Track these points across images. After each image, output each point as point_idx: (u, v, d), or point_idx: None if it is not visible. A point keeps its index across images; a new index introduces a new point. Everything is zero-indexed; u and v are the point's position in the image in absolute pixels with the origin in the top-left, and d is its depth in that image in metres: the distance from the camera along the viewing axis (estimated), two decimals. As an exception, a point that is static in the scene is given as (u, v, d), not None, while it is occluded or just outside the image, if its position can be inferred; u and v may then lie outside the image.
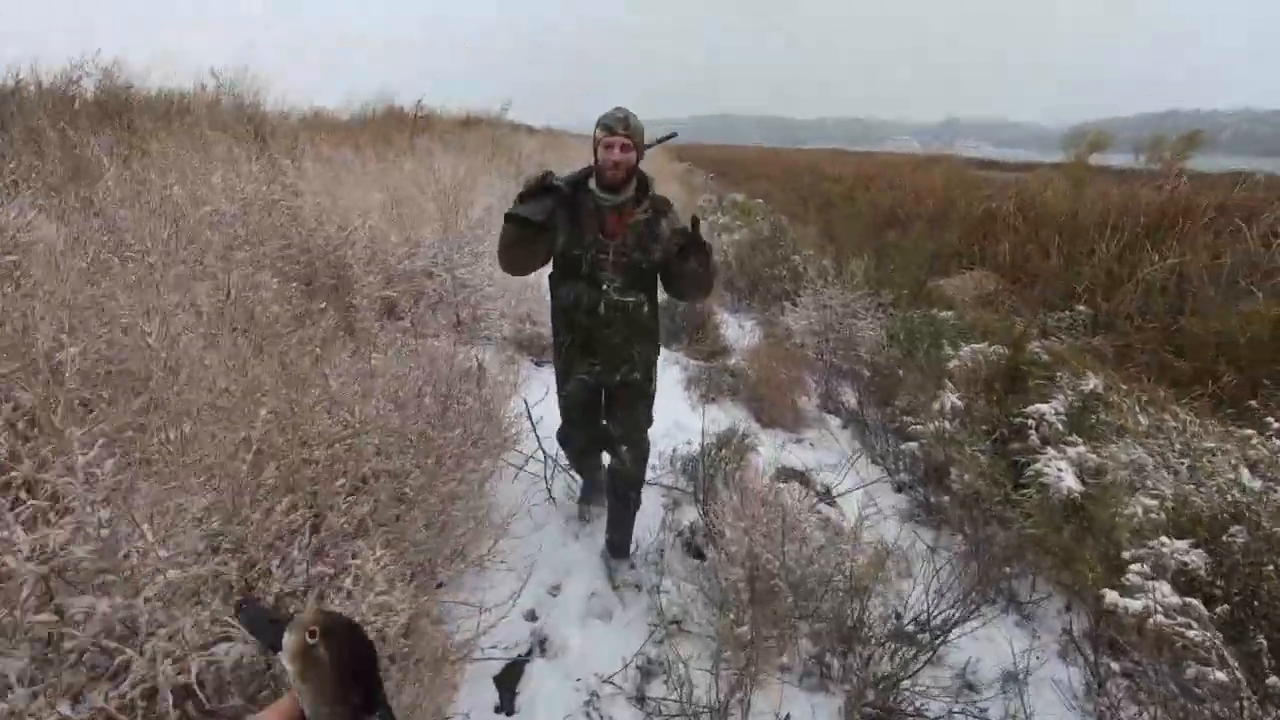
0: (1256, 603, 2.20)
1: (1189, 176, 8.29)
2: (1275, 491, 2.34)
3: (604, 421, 2.53)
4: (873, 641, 2.12)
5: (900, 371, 4.34)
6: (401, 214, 4.13)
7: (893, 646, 2.05)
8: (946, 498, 3.12)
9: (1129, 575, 1.98)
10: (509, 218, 2.13)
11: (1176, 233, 6.09)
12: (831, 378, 4.83)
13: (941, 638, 2.04)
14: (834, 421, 4.34)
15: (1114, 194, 7.52)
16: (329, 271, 3.52)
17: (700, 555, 2.67)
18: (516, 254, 2.21)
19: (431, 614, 1.70)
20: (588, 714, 1.92)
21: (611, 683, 1.99)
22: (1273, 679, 1.83)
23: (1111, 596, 1.93)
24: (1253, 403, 4.13)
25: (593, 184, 2.19)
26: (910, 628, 2.11)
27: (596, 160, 2.16)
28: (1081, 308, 5.94)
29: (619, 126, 2.12)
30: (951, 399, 3.18)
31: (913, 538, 2.96)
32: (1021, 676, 2.25)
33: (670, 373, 4.73)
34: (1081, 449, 2.66)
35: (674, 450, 3.53)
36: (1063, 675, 2.34)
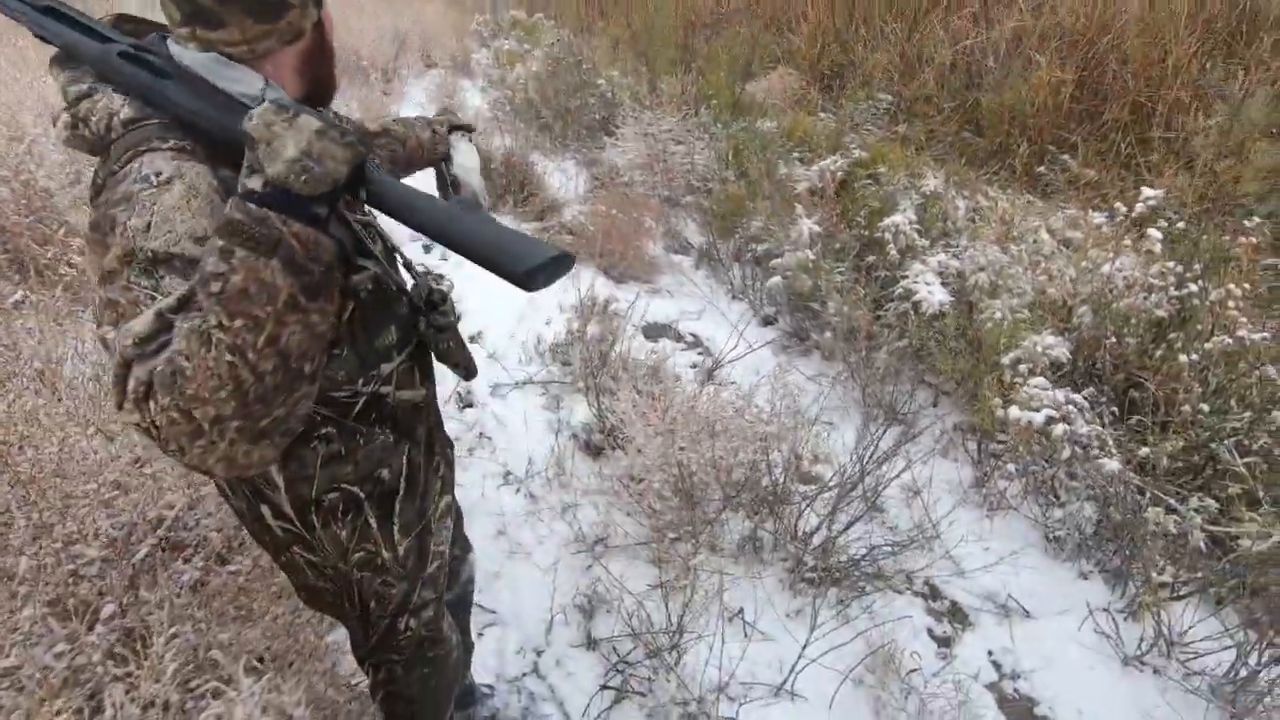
0: (1102, 374, 2.44)
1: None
2: (1105, 268, 2.52)
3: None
4: (800, 502, 2.10)
5: (736, 193, 4.20)
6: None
7: (822, 504, 2.04)
8: (816, 325, 3.13)
9: (1023, 388, 2.05)
10: (256, 243, 0.64)
11: (962, 5, 6.20)
12: (670, 214, 4.60)
13: (875, 493, 2.05)
14: (685, 262, 4.17)
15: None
16: (21, 205, 2.56)
17: (599, 453, 2.48)
18: (298, 376, 0.69)
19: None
20: (536, 680, 1.74)
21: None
22: (1143, 450, 2.04)
23: (1013, 412, 2.00)
24: (1041, 169, 4.49)
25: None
26: (834, 481, 2.10)
27: (327, 52, 0.91)
28: (883, 95, 6.04)
29: None
30: (809, 225, 3.07)
31: (791, 370, 2.98)
32: (922, 487, 2.39)
33: (503, 242, 4.24)
34: (942, 258, 2.69)
35: (536, 335, 3.21)
36: (950, 473, 2.52)
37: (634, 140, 4.99)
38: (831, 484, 2.11)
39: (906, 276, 2.66)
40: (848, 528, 2.02)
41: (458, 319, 1.07)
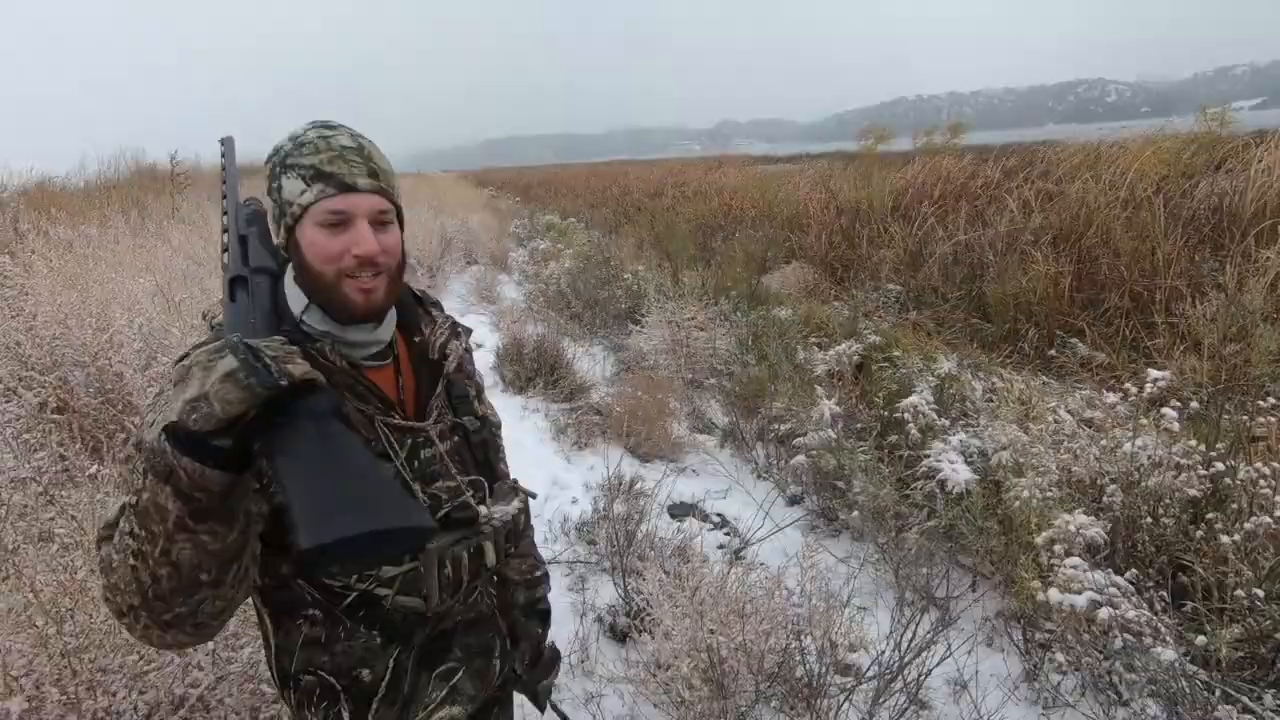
0: (1143, 557, 2.36)
1: (950, 154, 9.41)
2: (1125, 446, 2.54)
3: None
4: (837, 695, 1.97)
5: (758, 376, 4.37)
6: (180, 299, 3.38)
7: (862, 698, 1.92)
8: (843, 504, 3.11)
9: (1060, 569, 2.00)
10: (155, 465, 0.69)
11: (959, 208, 6.80)
12: (694, 395, 4.76)
13: (917, 685, 1.94)
14: (709, 441, 4.25)
15: (895, 178, 8.31)
16: (93, 387, 2.77)
17: (624, 637, 2.39)
18: (194, 580, 0.75)
19: None
20: None
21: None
22: (1200, 638, 1.93)
23: (1054, 595, 1.93)
24: (1051, 352, 4.64)
25: (311, 318, 0.94)
26: (871, 671, 1.99)
27: (301, 256, 0.91)
28: (892, 286, 6.44)
29: (360, 172, 0.90)
30: (830, 405, 3.17)
31: (820, 550, 2.91)
32: (968, 680, 2.23)
33: (532, 423, 4.38)
34: (963, 437, 2.74)
35: (562, 515, 3.22)
36: (997, 664, 2.36)
37: (658, 327, 5.30)
38: (869, 674, 2.00)
39: (929, 455, 2.69)
40: (891, 726, 1.88)
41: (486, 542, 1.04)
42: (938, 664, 1.98)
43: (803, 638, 2.06)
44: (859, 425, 3.43)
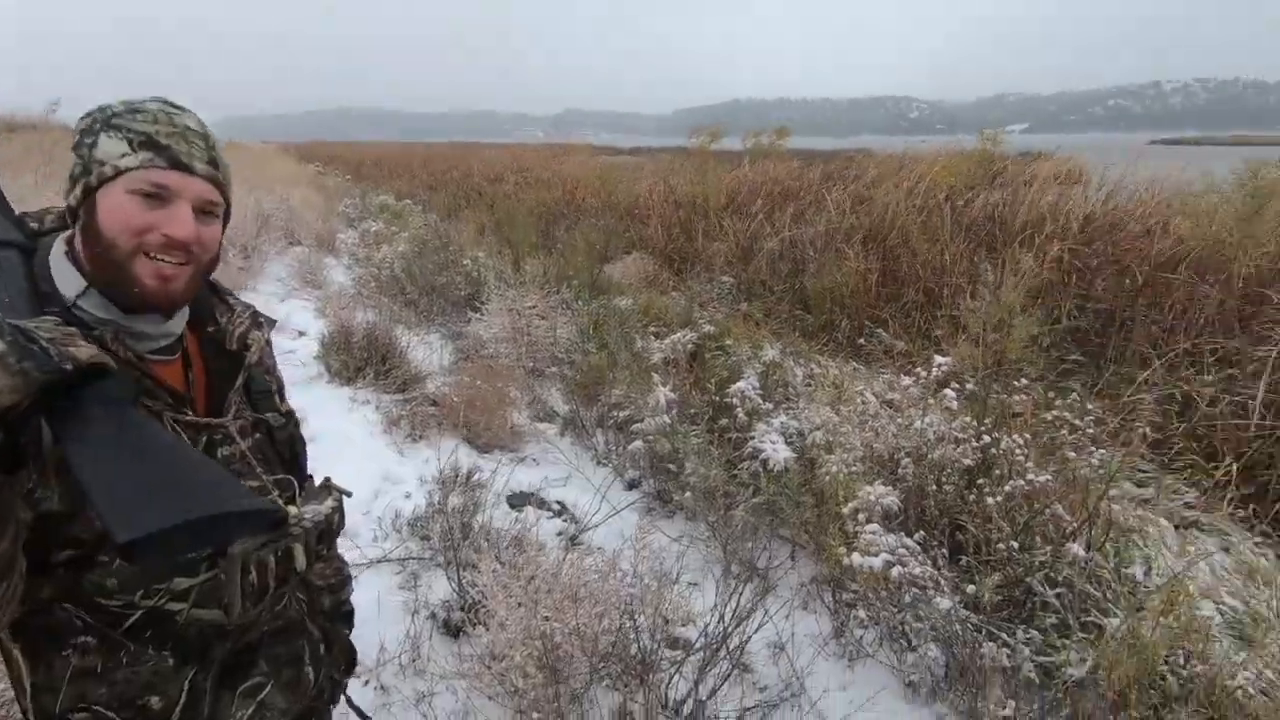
0: (930, 520, 2.69)
1: (775, 155, 10.08)
2: (916, 423, 2.89)
3: None
4: (669, 669, 2.06)
5: (598, 364, 4.43)
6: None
7: (691, 669, 2.02)
8: (678, 486, 3.24)
9: (862, 535, 2.22)
10: None
11: (785, 207, 7.30)
12: (535, 384, 4.73)
13: (740, 652, 2.07)
14: (550, 430, 4.24)
15: (728, 178, 8.75)
16: None
17: (458, 632, 2.33)
18: None
19: None
20: None
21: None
22: (970, 587, 2.23)
23: (856, 559, 2.15)
24: (861, 341, 5.14)
25: (88, 304, 0.81)
26: (699, 643, 2.10)
27: (94, 221, 0.80)
28: (726, 278, 6.80)
29: (200, 156, 0.83)
30: (665, 392, 3.29)
31: (653, 531, 3.03)
32: (785, 642, 2.43)
33: (362, 415, 4.13)
34: (784, 418, 2.95)
35: (394, 510, 3.07)
36: (811, 625, 2.58)
37: (499, 315, 5.19)
38: (698, 646, 2.11)
39: (754, 437, 2.88)
40: (714, 692, 1.99)
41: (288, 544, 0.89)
42: (756, 630, 2.13)
43: (636, 616, 2.13)
44: (692, 410, 3.59)
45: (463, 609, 2.31)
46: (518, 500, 3.39)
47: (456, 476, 3.16)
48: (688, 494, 2.98)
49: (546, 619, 1.83)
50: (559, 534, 2.99)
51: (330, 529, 0.99)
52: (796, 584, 2.80)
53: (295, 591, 1.07)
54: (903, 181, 6.85)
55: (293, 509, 0.95)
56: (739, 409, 3.15)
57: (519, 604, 1.87)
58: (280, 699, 1.01)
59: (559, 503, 3.44)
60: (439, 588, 2.49)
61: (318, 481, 1.05)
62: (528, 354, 4.98)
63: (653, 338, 4.64)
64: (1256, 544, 2.97)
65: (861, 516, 2.39)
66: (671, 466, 3.18)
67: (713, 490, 2.90)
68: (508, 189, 11.16)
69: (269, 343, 1.07)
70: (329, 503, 0.99)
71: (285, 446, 1.05)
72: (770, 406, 3.25)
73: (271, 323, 1.08)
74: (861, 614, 2.44)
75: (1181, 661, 2.01)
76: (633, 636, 2.07)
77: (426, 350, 5.24)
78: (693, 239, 7.57)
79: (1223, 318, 3.93)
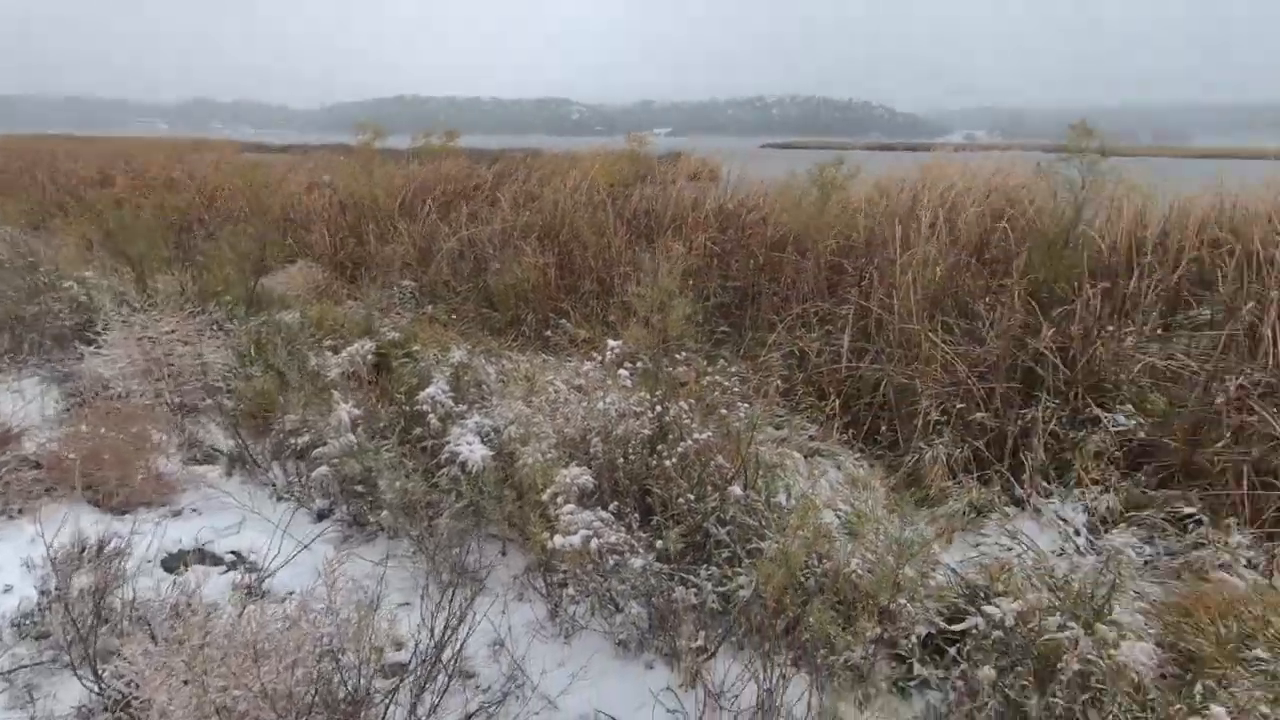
0: (622, 490, 2.94)
1: (447, 154, 9.89)
2: (599, 404, 3.12)
3: None
4: (381, 702, 1.94)
5: (265, 388, 3.93)
6: None
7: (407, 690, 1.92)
8: (375, 507, 3.04)
9: (562, 516, 2.33)
10: None
11: (460, 206, 7.22)
12: (186, 422, 4.02)
13: (456, 660, 2.02)
14: (213, 472, 3.64)
15: (398, 177, 8.36)
16: None
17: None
18: None
19: None
20: None
21: None
22: (659, 542, 2.49)
23: (557, 540, 2.25)
24: (547, 332, 5.36)
25: None
26: (413, 664, 2.01)
27: None
28: (407, 282, 6.52)
29: None
30: (347, 409, 3.05)
31: (350, 559, 2.81)
32: (504, 637, 2.46)
33: (-84, 499, 3.08)
34: (478, 418, 2.95)
35: (-9, 613, 2.36)
36: (528, 614, 2.65)
37: (125, 346, 4.28)
38: (411, 667, 2.02)
39: (450, 441, 2.83)
40: (435, 709, 1.94)
41: None
42: (469, 634, 2.11)
43: (338, 655, 1.96)
44: (382, 424, 3.39)
45: (108, 710, 1.88)
46: (174, 561, 2.86)
47: (82, 550, 2.55)
48: (385, 513, 2.82)
49: (224, 689, 1.58)
50: (234, 588, 2.60)
51: None
52: (509, 578, 2.84)
53: None
54: (568, 180, 7.27)
55: None
56: (431, 415, 3.06)
57: (185, 681, 1.59)
58: None
59: (233, 553, 2.99)
60: (69, 694, 1.99)
61: None
62: (172, 388, 4.19)
63: (329, 353, 4.26)
64: (856, 459, 3.83)
65: (560, 499, 2.51)
66: (362, 488, 2.97)
67: (413, 504, 2.78)
68: (118, 192, 9.17)
69: None
70: None
71: None
72: (464, 408, 3.22)
73: None
74: (571, 590, 2.57)
75: (816, 563, 2.51)
76: (339, 678, 1.91)
77: (18, 401, 4.11)
78: (364, 243, 7.10)
79: (818, 286, 4.97)
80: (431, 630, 2.00)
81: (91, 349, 4.47)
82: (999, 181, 6.56)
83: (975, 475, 3.57)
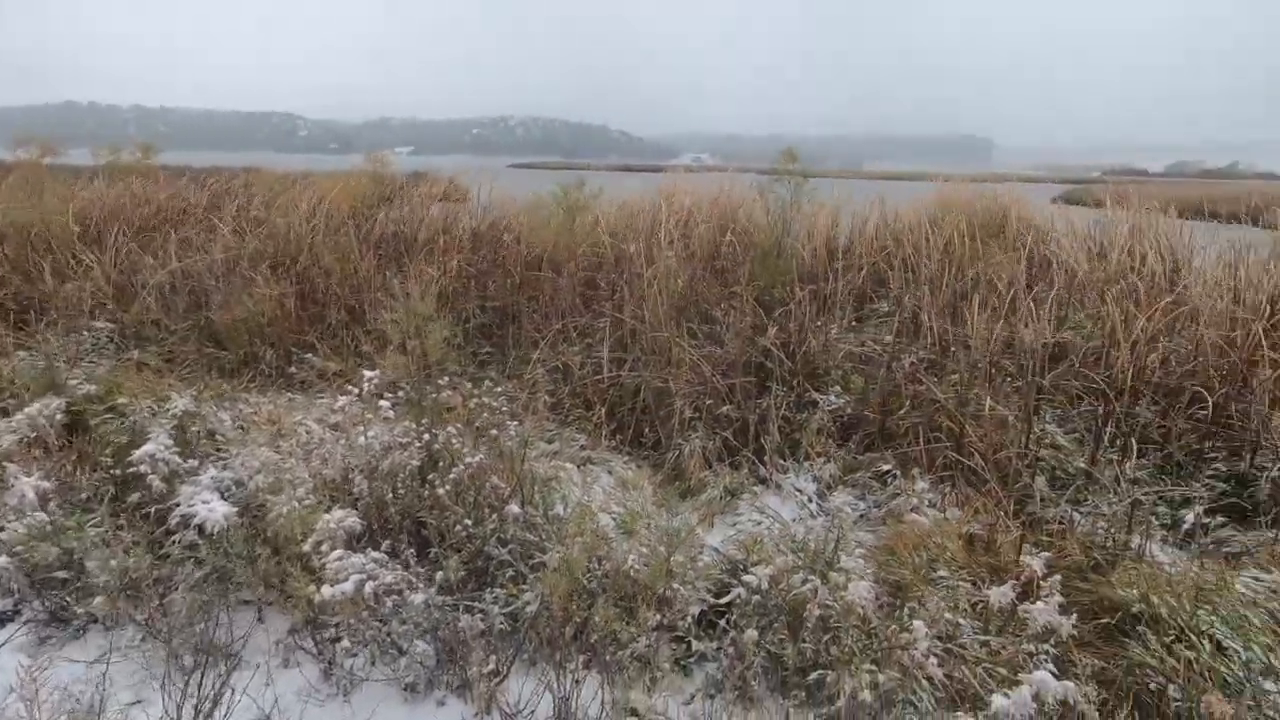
0: (395, 527, 2.80)
1: (140, 173, 8.47)
2: (360, 440, 2.95)
3: None
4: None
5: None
6: None
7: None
8: (83, 595, 2.53)
9: (329, 565, 2.16)
10: None
11: (168, 233, 6.24)
12: None
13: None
14: None
15: (76, 199, 6.98)
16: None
17: None
18: None
19: None
20: None
21: None
22: (440, 574, 2.42)
23: (326, 591, 2.08)
24: (291, 369, 4.90)
25: None
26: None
27: None
28: (101, 324, 5.48)
29: None
30: (32, 483, 2.50)
31: (52, 665, 2.31)
32: (270, 713, 2.20)
33: None
34: (214, 472, 2.61)
35: None
36: (296, 679, 2.40)
37: None
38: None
39: (180, 503, 2.47)
40: (192, 807, 1.69)
41: None
42: (226, 716, 1.87)
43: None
44: (84, 495, 2.83)
45: None
46: None
47: None
48: (98, 600, 2.37)
49: None
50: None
51: None
52: (271, 645, 2.55)
53: None
54: (301, 202, 6.68)
55: None
56: (152, 476, 2.64)
57: None
58: None
59: None
60: None
61: None
62: None
63: (-3, 417, 3.44)
64: (625, 462, 4.06)
65: (325, 547, 2.33)
66: (66, 574, 2.47)
67: (136, 582, 2.38)
68: None
69: None
70: None
71: None
72: (195, 463, 2.82)
73: None
74: (346, 643, 2.39)
75: (597, 566, 2.63)
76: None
77: None
78: (35, 281, 5.82)
79: (574, 302, 5.17)
80: (177, 722, 1.74)
81: None
82: (724, 200, 7.39)
83: (727, 462, 3.99)
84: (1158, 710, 2.21)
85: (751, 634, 2.32)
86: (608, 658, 2.38)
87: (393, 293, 4.28)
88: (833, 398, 4.41)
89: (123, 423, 3.53)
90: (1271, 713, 2.07)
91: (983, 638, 2.32)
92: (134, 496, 2.75)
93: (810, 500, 3.71)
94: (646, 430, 4.26)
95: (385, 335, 3.91)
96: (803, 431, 4.13)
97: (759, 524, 3.35)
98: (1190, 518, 3.19)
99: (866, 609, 2.31)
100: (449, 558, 2.54)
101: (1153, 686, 2.26)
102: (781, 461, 4.02)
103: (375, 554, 2.34)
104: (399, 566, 2.43)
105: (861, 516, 3.52)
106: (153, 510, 2.68)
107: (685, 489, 3.80)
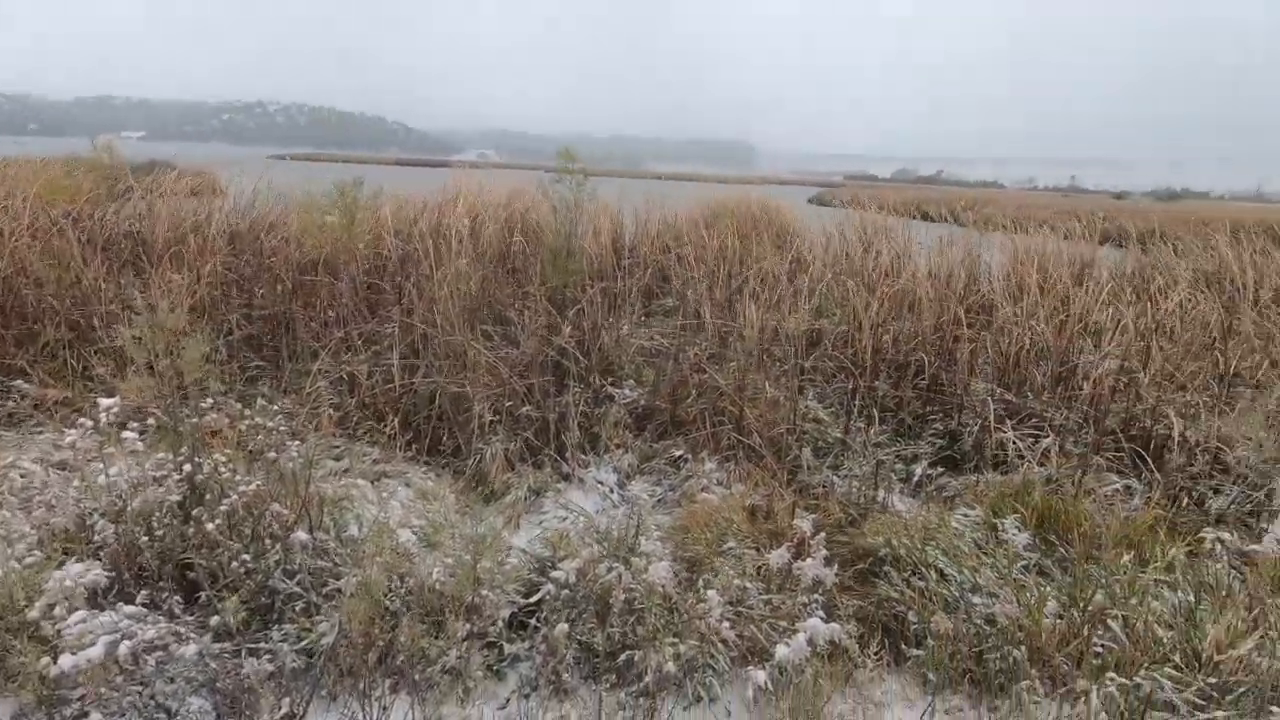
0: (152, 574, 2.44)
1: None
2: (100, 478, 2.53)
3: None
4: None
5: None
6: None
7: None
8: None
9: (67, 631, 1.83)
10: None
11: None
12: None
13: None
14: None
15: None
16: None
17: None
18: None
19: None
20: None
21: None
22: (215, 618, 2.16)
23: (65, 661, 1.77)
24: (4, 401, 4.04)
25: None
26: None
27: None
28: None
29: None
30: None
31: None
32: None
33: None
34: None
35: None
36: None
37: None
38: None
39: None
40: None
41: None
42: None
43: None
44: None
45: None
46: None
47: None
48: None
49: None
50: None
51: None
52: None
53: None
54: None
55: None
56: None
57: None
58: None
59: None
60: None
61: None
62: None
63: None
64: (424, 473, 3.92)
65: (60, 609, 1.97)
66: None
67: None
68: None
69: None
70: None
71: None
72: None
73: None
74: (97, 717, 2.05)
75: (399, 584, 2.53)
76: None
77: None
78: None
79: (357, 308, 4.85)
80: None
81: None
82: (514, 200, 7.37)
83: (530, 462, 4.01)
84: (901, 635, 2.65)
85: (563, 628, 2.38)
86: (416, 677, 2.31)
87: (131, 305, 3.70)
88: (627, 391, 4.63)
89: None
90: (978, 620, 2.58)
91: (765, 597, 2.61)
92: None
93: (612, 491, 3.87)
94: (445, 437, 4.14)
95: (124, 355, 3.37)
96: (601, 425, 4.28)
97: (565, 519, 3.43)
98: (918, 471, 3.85)
99: (667, 587, 2.48)
100: (224, 599, 2.28)
101: (897, 615, 2.70)
102: (583, 456, 4.14)
103: (130, 608, 2.04)
104: (162, 618, 2.13)
105: (659, 501, 3.75)
106: None
107: (489, 493, 3.76)
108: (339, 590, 2.47)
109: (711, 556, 2.93)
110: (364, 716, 2.10)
